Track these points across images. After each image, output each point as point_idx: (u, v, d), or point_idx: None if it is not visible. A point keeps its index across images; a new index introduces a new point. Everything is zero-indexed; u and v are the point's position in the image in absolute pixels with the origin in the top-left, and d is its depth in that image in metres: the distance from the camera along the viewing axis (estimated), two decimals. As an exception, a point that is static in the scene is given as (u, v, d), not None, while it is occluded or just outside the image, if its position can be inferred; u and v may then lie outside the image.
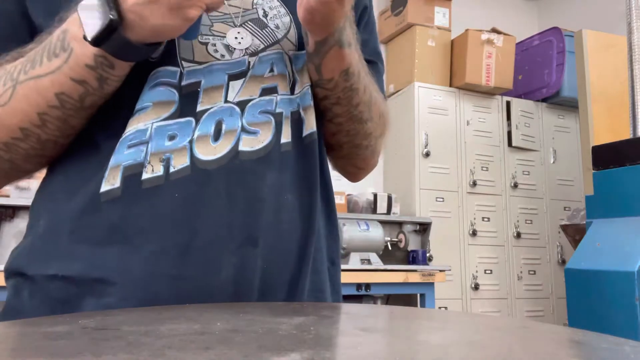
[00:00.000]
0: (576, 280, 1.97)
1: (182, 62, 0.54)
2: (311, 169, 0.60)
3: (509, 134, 3.30)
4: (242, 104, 0.55)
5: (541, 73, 3.41)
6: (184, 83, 0.53)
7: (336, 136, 0.68)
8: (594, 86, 2.62)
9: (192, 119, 0.53)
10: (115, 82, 0.51)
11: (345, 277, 0.89)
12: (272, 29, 0.59)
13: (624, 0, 2.23)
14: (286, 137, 0.57)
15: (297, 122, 0.59)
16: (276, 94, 0.57)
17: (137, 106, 0.52)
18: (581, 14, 3.84)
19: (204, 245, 0.51)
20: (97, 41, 0.46)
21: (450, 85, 3.22)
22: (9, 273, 0.55)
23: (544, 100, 3.43)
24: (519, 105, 3.34)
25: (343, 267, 0.83)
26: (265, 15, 0.59)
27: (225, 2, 0.57)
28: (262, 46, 0.58)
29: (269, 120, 0.56)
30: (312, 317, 0.40)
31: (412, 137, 3.02)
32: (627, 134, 2.21)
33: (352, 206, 2.89)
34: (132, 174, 0.51)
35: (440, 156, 3.07)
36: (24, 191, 2.19)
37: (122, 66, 0.50)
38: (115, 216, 0.50)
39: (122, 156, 0.51)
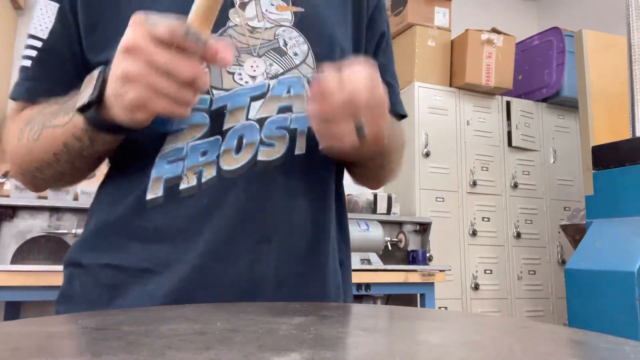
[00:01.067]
0: (576, 280, 1.97)
1: (212, 90, 0.63)
2: (323, 178, 0.68)
3: (509, 134, 3.30)
4: (261, 121, 0.63)
5: (541, 73, 3.41)
6: (213, 108, 0.62)
7: (361, 173, 0.76)
8: (594, 86, 2.61)
9: (219, 137, 0.62)
10: (104, 144, 0.59)
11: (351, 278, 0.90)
12: (290, 56, 0.67)
13: (624, 0, 2.23)
14: (300, 149, 0.65)
15: (313, 137, 0.64)
16: (291, 112, 0.65)
17: (175, 127, 0.62)
18: (581, 14, 3.84)
19: (225, 241, 0.60)
20: (81, 110, 0.55)
21: (450, 85, 3.22)
22: (66, 264, 0.67)
23: (544, 100, 3.43)
24: (519, 105, 3.34)
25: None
26: (285, 44, 0.67)
27: (250, 34, 0.66)
28: (281, 71, 0.66)
29: (284, 134, 0.64)
30: (312, 317, 0.40)
31: (412, 137, 3.02)
32: (627, 134, 2.21)
33: (352, 206, 2.89)
34: (172, 185, 0.61)
35: (440, 156, 3.07)
36: (24, 191, 2.19)
37: (103, 135, 0.57)
38: (159, 219, 0.61)
39: (163, 170, 0.61)
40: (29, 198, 2.19)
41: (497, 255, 3.13)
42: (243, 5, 0.67)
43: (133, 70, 0.47)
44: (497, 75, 3.17)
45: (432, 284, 2.42)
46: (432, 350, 0.30)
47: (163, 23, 0.46)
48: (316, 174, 0.67)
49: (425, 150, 3.03)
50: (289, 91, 0.65)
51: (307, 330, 0.33)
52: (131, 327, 0.34)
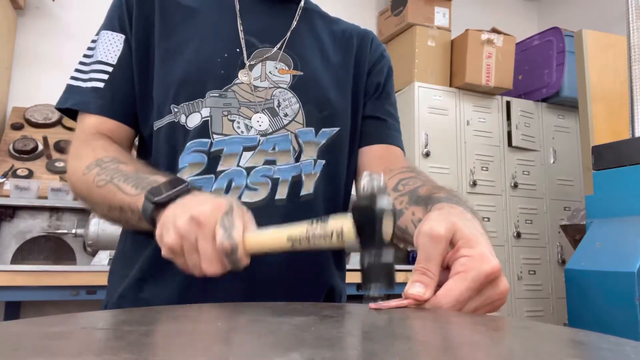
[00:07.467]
0: (576, 280, 1.97)
1: (213, 134, 0.75)
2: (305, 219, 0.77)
3: (509, 134, 3.30)
4: (248, 169, 0.74)
5: (541, 73, 3.40)
6: (212, 150, 0.74)
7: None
8: (594, 86, 2.61)
9: (213, 176, 0.74)
10: (147, 229, 0.65)
11: (345, 277, 0.90)
12: (281, 117, 0.78)
13: (624, 0, 2.23)
14: (281, 194, 0.75)
15: (296, 184, 0.76)
16: (274, 165, 0.76)
17: (179, 166, 0.75)
18: (581, 14, 3.84)
19: None
20: (146, 197, 0.62)
21: (450, 85, 3.22)
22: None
23: (544, 100, 3.43)
24: (519, 105, 3.34)
25: (343, 267, 0.88)
26: (279, 105, 0.78)
27: (253, 92, 0.77)
28: (270, 130, 0.77)
29: (267, 182, 0.75)
30: (312, 317, 0.40)
31: (412, 137, 3.02)
32: (627, 134, 2.20)
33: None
34: None
35: (440, 156, 3.07)
36: (24, 191, 2.18)
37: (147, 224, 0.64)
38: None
39: None
40: (29, 198, 2.19)
41: (497, 255, 3.11)
42: (251, 67, 0.78)
43: (181, 228, 0.55)
44: (497, 75, 3.17)
45: (432, 284, 2.42)
46: (432, 350, 0.30)
47: (225, 229, 0.54)
48: (297, 215, 0.75)
49: (425, 150, 3.03)
50: (274, 148, 0.76)
51: (307, 330, 0.33)
52: (131, 327, 0.34)
